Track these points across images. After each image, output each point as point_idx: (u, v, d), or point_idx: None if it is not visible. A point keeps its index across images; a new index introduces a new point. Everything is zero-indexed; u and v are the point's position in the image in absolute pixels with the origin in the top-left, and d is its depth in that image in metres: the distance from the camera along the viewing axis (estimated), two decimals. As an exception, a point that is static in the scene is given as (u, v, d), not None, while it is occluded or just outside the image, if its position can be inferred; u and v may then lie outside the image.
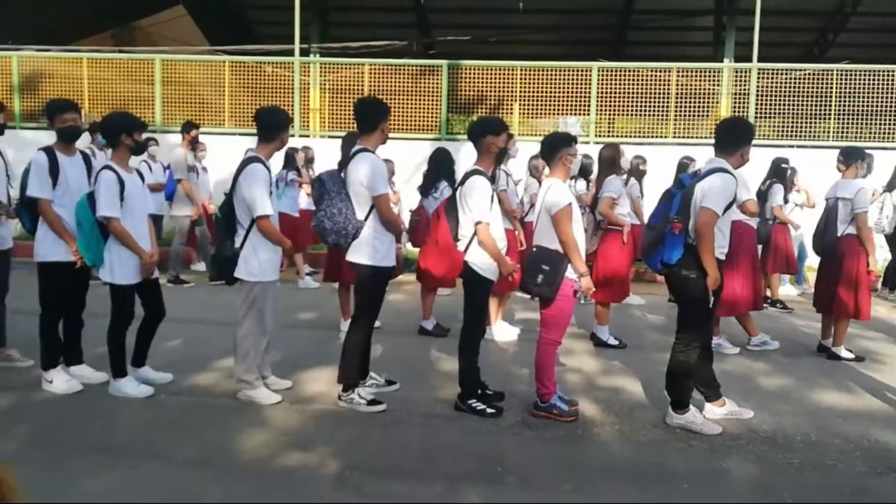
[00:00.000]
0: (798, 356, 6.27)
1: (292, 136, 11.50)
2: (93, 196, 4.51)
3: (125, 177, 4.56)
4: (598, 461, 3.93)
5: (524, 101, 11.90)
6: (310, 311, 7.56)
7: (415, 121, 11.80)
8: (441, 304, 7.07)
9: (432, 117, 11.96)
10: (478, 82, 11.98)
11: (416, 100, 11.82)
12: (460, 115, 12.41)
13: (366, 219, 4.42)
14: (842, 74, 11.49)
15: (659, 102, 11.81)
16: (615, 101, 11.75)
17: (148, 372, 4.89)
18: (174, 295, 8.04)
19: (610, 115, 12.34)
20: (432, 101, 11.94)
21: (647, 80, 11.72)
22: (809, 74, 11.67)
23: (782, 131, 11.76)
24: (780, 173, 7.90)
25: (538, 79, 11.80)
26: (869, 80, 11.35)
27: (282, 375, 5.00)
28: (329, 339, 6.16)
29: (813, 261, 7.15)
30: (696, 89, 11.79)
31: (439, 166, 6.59)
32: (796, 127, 11.64)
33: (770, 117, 11.86)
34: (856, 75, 11.41)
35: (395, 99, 11.42)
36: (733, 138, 4.36)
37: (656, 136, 12.03)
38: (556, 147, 4.48)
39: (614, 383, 5.33)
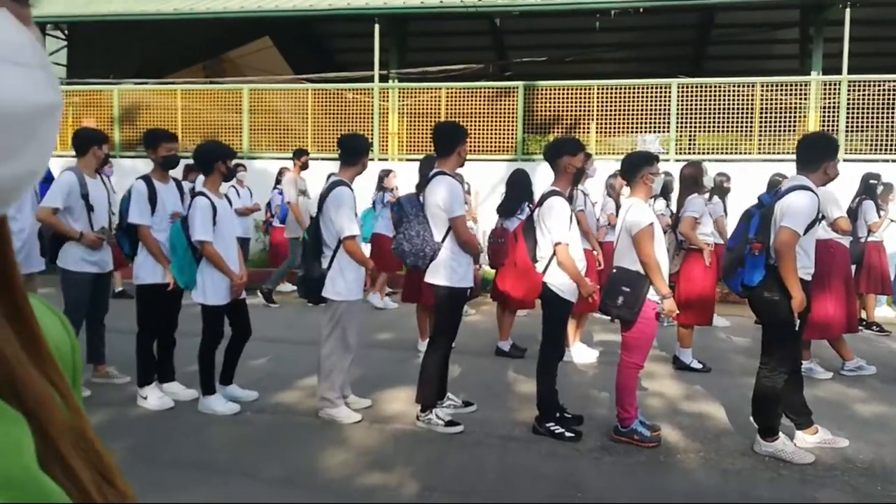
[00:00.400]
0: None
1: (372, 159, 11.82)
2: (186, 221, 4.75)
3: (217, 202, 4.79)
4: (682, 488, 3.82)
5: (601, 119, 11.78)
6: (388, 331, 7.67)
7: (491, 142, 11.86)
8: (519, 325, 7.06)
9: (509, 138, 12.01)
10: (554, 102, 11.95)
11: (492, 121, 11.90)
12: (536, 135, 12.41)
13: (443, 240, 4.49)
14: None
15: (743, 118, 11.48)
16: (696, 118, 11.49)
17: (235, 390, 5.08)
18: (262, 315, 8.34)
19: (691, 131, 12.07)
20: (509, 122, 11.99)
21: (729, 95, 11.41)
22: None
23: (876, 145, 11.21)
24: (869, 189, 7.55)
25: (615, 97, 11.67)
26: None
27: (361, 394, 5.10)
28: (407, 359, 6.24)
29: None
30: (782, 104, 11.39)
31: (519, 187, 6.60)
32: (891, 140, 11.07)
33: (862, 131, 11.33)
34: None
35: (471, 121, 11.54)
36: (815, 154, 4.20)
37: (740, 153, 11.68)
38: (637, 166, 4.43)
39: (698, 408, 5.18)
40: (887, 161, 10.67)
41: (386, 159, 12.10)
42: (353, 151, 4.78)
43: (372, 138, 11.99)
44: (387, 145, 12.47)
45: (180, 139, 11.47)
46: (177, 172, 5.36)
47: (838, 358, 6.14)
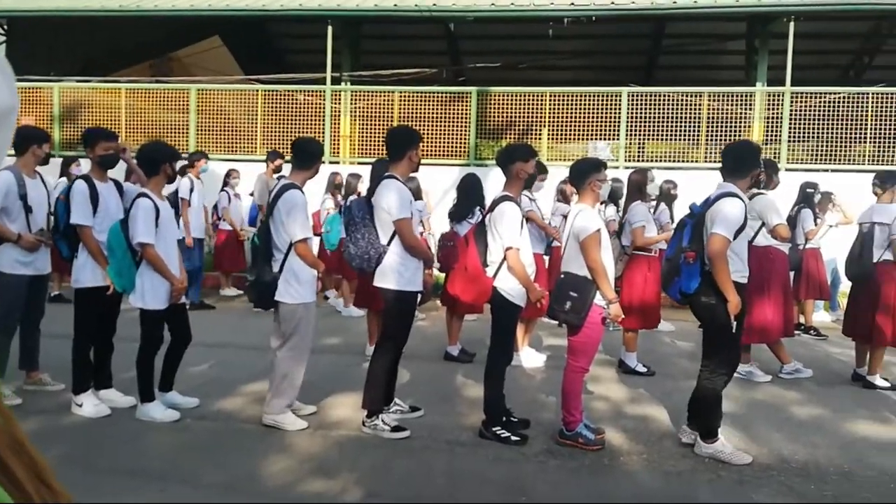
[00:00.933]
0: (832, 385, 6.11)
1: (323, 162, 11.71)
2: (126, 222, 4.62)
3: (160, 204, 4.68)
4: (625, 491, 3.86)
5: (553, 126, 11.91)
6: (337, 335, 7.59)
7: (444, 147, 11.87)
8: (468, 330, 7.06)
9: (462, 143, 12.04)
10: (507, 108, 12.04)
11: (445, 126, 11.91)
12: (490, 140, 12.46)
13: (389, 243, 4.46)
14: (877, 97, 11.30)
15: (691, 127, 11.73)
16: (646, 126, 11.70)
17: (175, 396, 4.95)
18: (206, 320, 8.17)
19: (641, 139, 12.28)
20: (462, 127, 12.02)
21: (678, 104, 11.65)
22: (844, 97, 11.51)
23: (817, 155, 11.58)
24: (807, 198, 7.81)
25: (568, 104, 11.81)
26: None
27: (307, 401, 5.02)
28: (355, 364, 6.18)
29: (847, 287, 6.98)
30: (728, 113, 11.68)
31: (471, 192, 6.62)
32: (831, 151, 11.45)
33: (804, 141, 11.69)
34: (892, 98, 11.21)
35: (425, 125, 11.54)
36: (740, 163, 4.34)
37: (688, 161, 11.92)
38: (585, 172, 4.49)
39: (642, 411, 5.25)
40: (827, 171, 11.02)
41: (337, 162, 12.00)
42: (307, 155, 4.72)
43: (323, 141, 11.89)
44: (338, 148, 12.38)
45: (125, 139, 11.23)
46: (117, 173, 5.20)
47: (777, 361, 6.30)
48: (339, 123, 12.39)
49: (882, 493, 3.89)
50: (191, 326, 4.98)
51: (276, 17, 13.92)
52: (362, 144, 12.29)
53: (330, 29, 12.52)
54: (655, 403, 5.41)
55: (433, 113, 11.95)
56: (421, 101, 12.00)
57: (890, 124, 11.16)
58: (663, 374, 6.23)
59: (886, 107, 11.18)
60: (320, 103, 12.34)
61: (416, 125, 11.29)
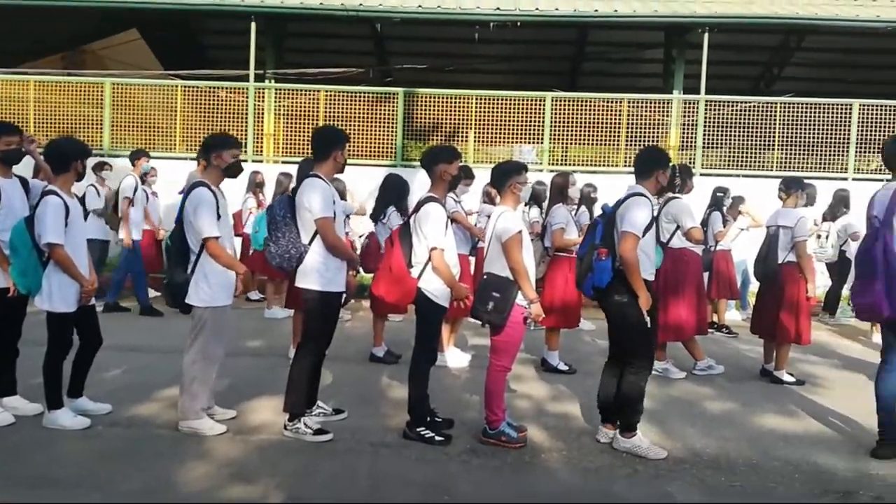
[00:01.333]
0: (742, 380, 6.39)
1: (245, 160, 11.45)
2: (31, 220, 4.40)
3: (69, 202, 4.48)
4: (546, 488, 3.93)
5: (480, 128, 12.04)
6: (259, 337, 7.44)
7: (371, 148, 11.83)
8: (395, 330, 7.05)
9: (388, 144, 12.02)
10: (434, 110, 12.09)
11: (372, 126, 11.86)
12: (416, 141, 12.48)
13: (310, 243, 4.40)
14: (785, 107, 11.90)
15: (612, 132, 12.07)
16: (569, 130, 11.97)
17: (85, 403, 4.74)
18: (122, 322, 7.87)
19: (564, 143, 12.55)
20: (389, 127, 12.00)
21: (600, 109, 11.97)
22: (755, 106, 12.07)
23: (730, 161, 12.11)
24: (717, 201, 8.23)
25: (494, 107, 11.96)
26: (811, 112, 11.78)
27: (227, 405, 4.90)
28: (277, 366, 6.05)
29: (757, 287, 7.32)
30: (646, 120, 12.08)
31: (388, 191, 6.61)
32: (742, 157, 12.00)
33: (718, 148, 12.21)
34: (799, 108, 11.83)
35: (351, 125, 11.46)
36: (648, 166, 4.57)
37: (608, 165, 12.26)
38: (505, 175, 4.55)
39: (563, 409, 5.35)
40: (739, 176, 11.54)
41: (261, 161, 11.78)
42: (211, 148, 4.59)
43: (246, 139, 11.64)
44: (261, 147, 12.14)
45: (34, 133, 10.69)
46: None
47: (691, 359, 6.54)
48: (262, 122, 12.16)
49: (787, 482, 4.09)
50: (105, 329, 4.78)
51: (199, 12, 13.55)
52: (287, 144, 12.10)
53: (254, 25, 12.27)
54: (576, 401, 5.53)
55: (360, 113, 11.89)
56: (347, 100, 11.91)
57: (796, 133, 11.79)
58: (584, 371, 6.37)
59: (793, 116, 11.80)
60: (243, 101, 12.08)
61: (342, 125, 11.19)
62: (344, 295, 4.74)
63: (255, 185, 9.19)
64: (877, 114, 11.77)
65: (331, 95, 12.01)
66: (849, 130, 11.80)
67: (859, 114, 11.80)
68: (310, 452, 4.28)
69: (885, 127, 11.59)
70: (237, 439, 4.46)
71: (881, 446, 4.47)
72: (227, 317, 4.68)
